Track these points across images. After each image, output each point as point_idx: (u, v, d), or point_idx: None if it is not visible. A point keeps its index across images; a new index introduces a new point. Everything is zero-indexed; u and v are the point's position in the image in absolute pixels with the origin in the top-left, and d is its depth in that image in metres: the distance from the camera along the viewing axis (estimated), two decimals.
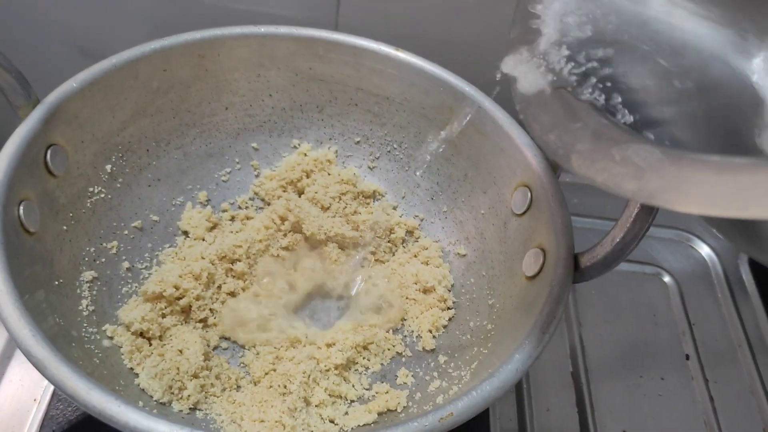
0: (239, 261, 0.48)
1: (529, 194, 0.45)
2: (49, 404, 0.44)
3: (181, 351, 0.41)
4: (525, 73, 0.34)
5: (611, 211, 0.63)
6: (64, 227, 0.43)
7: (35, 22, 0.62)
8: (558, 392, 0.52)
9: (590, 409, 0.51)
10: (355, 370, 0.45)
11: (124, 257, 0.47)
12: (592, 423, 0.50)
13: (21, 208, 0.38)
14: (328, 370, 0.43)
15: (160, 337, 0.43)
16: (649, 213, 0.37)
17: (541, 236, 0.43)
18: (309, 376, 0.41)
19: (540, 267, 0.42)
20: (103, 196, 0.47)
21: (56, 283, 0.41)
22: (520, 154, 0.46)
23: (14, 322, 0.31)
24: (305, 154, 0.55)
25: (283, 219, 0.51)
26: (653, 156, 0.26)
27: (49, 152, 0.42)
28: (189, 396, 0.39)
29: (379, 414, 0.41)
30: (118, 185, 0.49)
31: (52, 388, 0.45)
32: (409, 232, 0.54)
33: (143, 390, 0.39)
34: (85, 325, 0.41)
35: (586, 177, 0.28)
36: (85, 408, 0.30)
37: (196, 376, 0.40)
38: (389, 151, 0.56)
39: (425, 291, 0.49)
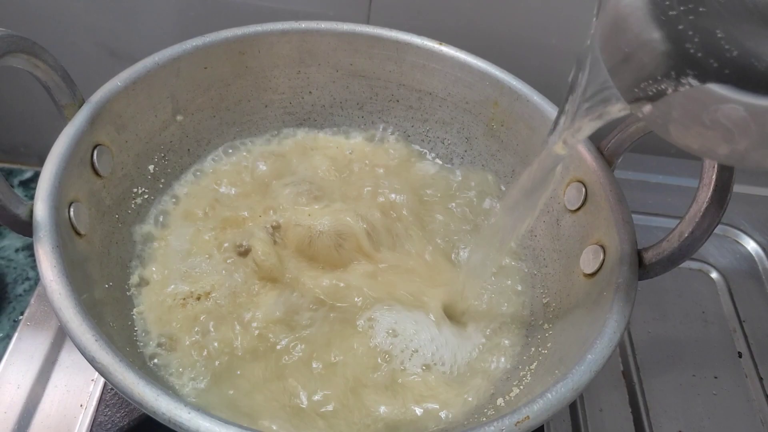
0: None
1: (583, 190, 0.44)
2: (97, 410, 0.43)
3: None
4: None
5: (666, 208, 0.62)
6: (111, 229, 0.42)
7: (65, 24, 0.61)
8: (610, 392, 0.50)
9: (644, 408, 0.50)
10: None
11: None
12: (647, 423, 0.49)
13: (72, 209, 0.37)
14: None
15: None
16: (719, 207, 0.36)
17: (599, 232, 0.42)
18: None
19: (600, 264, 0.40)
20: (146, 197, 0.46)
21: (106, 286, 0.40)
22: (572, 149, 0.45)
23: (76, 327, 0.30)
24: None
25: None
26: (737, 114, 0.24)
27: (95, 152, 0.41)
28: None
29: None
30: (161, 185, 0.48)
31: (98, 393, 0.44)
32: None
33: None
34: (136, 329, 0.40)
35: (684, 147, 0.27)
36: (153, 414, 0.29)
37: None
38: (432, 148, 0.55)
39: None
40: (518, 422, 0.30)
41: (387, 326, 0.43)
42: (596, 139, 0.44)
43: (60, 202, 0.36)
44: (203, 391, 0.38)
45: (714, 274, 0.59)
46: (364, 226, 0.46)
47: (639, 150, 0.43)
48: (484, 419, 0.37)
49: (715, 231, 0.61)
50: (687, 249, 0.37)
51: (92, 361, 0.30)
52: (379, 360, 0.41)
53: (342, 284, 0.44)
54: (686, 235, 0.37)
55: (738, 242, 0.62)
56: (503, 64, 0.50)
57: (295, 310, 0.42)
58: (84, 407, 0.44)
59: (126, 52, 0.64)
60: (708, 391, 0.51)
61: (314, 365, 0.40)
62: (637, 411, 0.49)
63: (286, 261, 0.45)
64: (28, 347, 0.47)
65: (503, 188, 0.52)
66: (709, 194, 0.35)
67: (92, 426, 0.42)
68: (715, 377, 0.52)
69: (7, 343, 0.47)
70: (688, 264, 0.60)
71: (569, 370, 0.33)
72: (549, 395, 0.32)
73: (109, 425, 0.41)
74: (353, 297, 0.44)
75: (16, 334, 0.47)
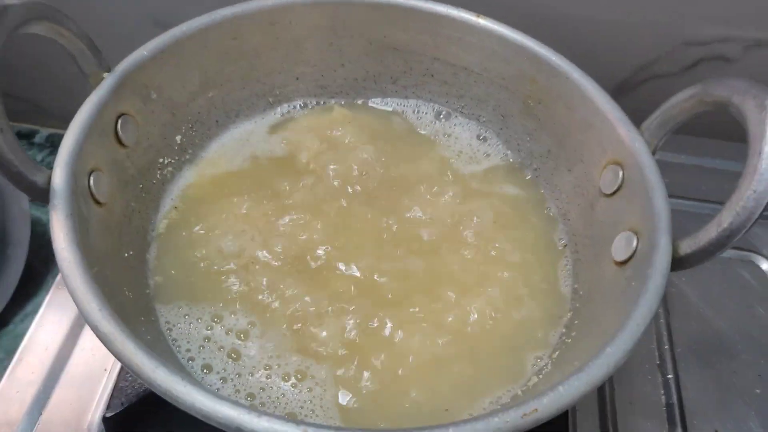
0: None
1: (620, 173, 0.41)
2: (119, 375, 0.43)
3: None
4: None
5: (707, 192, 0.58)
6: (134, 198, 0.42)
7: None
8: (643, 385, 0.48)
9: (678, 405, 0.47)
10: None
11: None
12: (681, 420, 0.46)
13: (92, 178, 0.38)
14: None
15: None
16: (764, 196, 0.33)
17: (634, 218, 0.39)
18: None
19: (632, 252, 0.38)
20: (172, 168, 0.46)
21: (125, 255, 0.40)
22: (611, 129, 0.42)
23: (81, 295, 0.31)
24: None
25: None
26: None
27: (119, 122, 0.41)
28: None
29: None
30: (188, 157, 0.48)
31: None
32: None
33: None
34: (154, 301, 0.40)
35: None
36: (150, 386, 0.29)
37: None
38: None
39: None
40: (525, 414, 0.29)
41: None
42: (633, 114, 0.42)
43: (79, 171, 0.36)
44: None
45: (765, 265, 0.55)
46: None
47: (681, 131, 0.40)
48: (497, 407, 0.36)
49: (765, 218, 0.58)
50: (726, 239, 0.34)
51: (95, 330, 0.30)
52: None
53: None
54: (725, 225, 0.34)
55: None
56: (543, 39, 0.47)
57: None
58: (108, 371, 0.45)
59: (169, 22, 0.64)
60: (750, 390, 0.48)
61: None
62: (671, 407, 0.47)
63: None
64: (58, 310, 0.48)
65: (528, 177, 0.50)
66: (754, 180, 0.33)
67: (114, 390, 0.43)
68: (759, 375, 0.49)
69: (40, 305, 0.48)
70: (736, 254, 0.56)
71: (585, 363, 0.31)
72: (561, 388, 0.30)
73: (129, 390, 0.42)
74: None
75: (48, 297, 0.49)
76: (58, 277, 0.50)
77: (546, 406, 0.29)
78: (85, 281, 0.31)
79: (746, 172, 0.33)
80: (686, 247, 0.36)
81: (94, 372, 0.45)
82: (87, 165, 0.37)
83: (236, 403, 0.28)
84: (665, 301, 0.53)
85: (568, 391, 0.30)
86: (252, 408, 0.28)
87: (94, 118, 0.38)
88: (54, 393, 0.44)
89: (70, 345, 0.46)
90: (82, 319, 0.47)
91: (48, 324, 0.47)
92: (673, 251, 0.36)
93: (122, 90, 0.41)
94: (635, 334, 0.32)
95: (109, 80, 0.40)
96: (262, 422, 0.27)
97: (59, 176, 0.35)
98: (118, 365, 0.45)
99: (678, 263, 0.36)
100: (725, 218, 0.34)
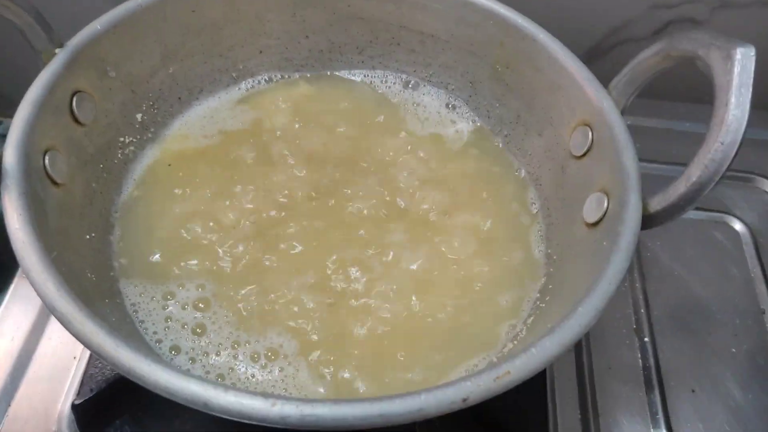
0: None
1: (590, 134, 0.41)
2: (89, 362, 0.42)
3: None
4: None
5: (677, 156, 0.58)
6: (94, 179, 0.41)
7: None
8: (620, 349, 0.48)
9: (655, 367, 0.47)
10: None
11: None
12: (658, 382, 0.46)
13: (47, 157, 0.36)
14: None
15: None
16: (731, 147, 0.32)
17: (603, 179, 0.39)
18: None
19: (603, 212, 0.38)
20: (134, 147, 0.45)
21: (87, 237, 0.39)
22: (579, 90, 0.42)
23: (37, 276, 0.30)
24: None
25: None
26: None
27: (74, 99, 0.39)
28: None
29: None
30: (150, 135, 0.46)
31: None
32: None
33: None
34: (118, 282, 0.39)
35: None
36: (113, 365, 0.28)
37: None
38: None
39: None
40: (498, 377, 0.28)
41: None
42: (605, 80, 0.41)
43: (33, 150, 0.35)
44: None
45: (738, 226, 0.55)
46: None
47: (648, 95, 0.40)
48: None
49: (741, 179, 0.59)
50: (695, 193, 0.34)
51: (53, 310, 0.29)
52: None
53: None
54: (694, 179, 0.34)
55: (765, 191, 0.58)
56: (515, 4, 0.46)
57: None
58: (77, 359, 0.44)
59: None
60: (726, 350, 0.48)
61: None
62: (648, 370, 0.47)
63: None
64: (23, 300, 0.46)
65: (499, 144, 0.49)
66: (722, 131, 0.32)
67: (84, 377, 0.42)
68: (735, 335, 0.49)
69: (3, 297, 0.47)
70: (710, 215, 0.56)
71: (557, 324, 0.31)
72: (533, 350, 0.30)
73: (99, 377, 0.41)
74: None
75: (11, 287, 0.47)
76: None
77: (518, 368, 0.29)
78: (40, 260, 0.30)
79: (713, 123, 0.33)
80: (656, 204, 0.36)
81: (62, 361, 0.44)
82: (41, 144, 0.36)
83: (202, 379, 0.27)
84: (640, 265, 0.53)
85: (540, 352, 0.30)
86: (218, 383, 0.27)
87: (47, 96, 0.37)
88: (22, 384, 0.43)
89: (37, 334, 0.45)
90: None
91: (13, 315, 0.46)
92: (643, 209, 0.36)
93: (76, 66, 0.39)
94: (607, 292, 0.32)
95: (61, 56, 0.39)
96: (229, 397, 0.26)
97: (10, 155, 0.33)
98: (88, 353, 0.43)
99: (649, 220, 0.36)
100: (694, 172, 0.34)
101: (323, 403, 0.27)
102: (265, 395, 0.27)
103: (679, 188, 0.34)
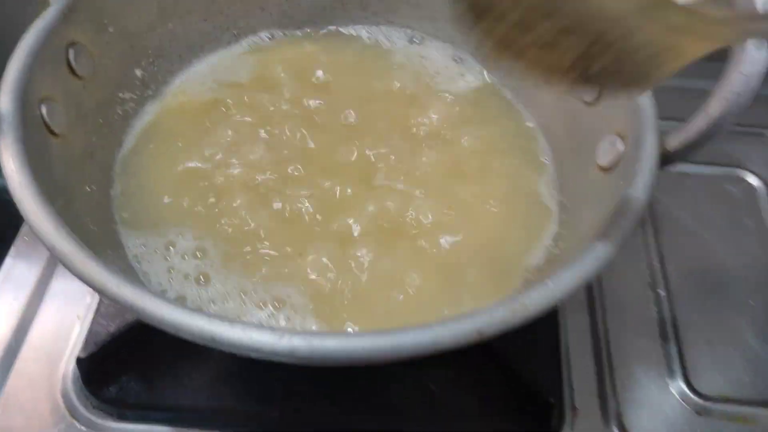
0: None
1: None
2: (93, 320, 0.42)
3: None
4: None
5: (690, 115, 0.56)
6: (94, 133, 0.40)
7: None
8: (634, 304, 0.47)
9: (671, 320, 0.46)
10: None
11: None
12: (674, 335, 0.45)
13: (43, 107, 0.35)
14: None
15: None
16: (754, 79, 0.31)
17: (618, 122, 0.38)
18: None
19: (619, 155, 0.37)
20: (134, 104, 0.44)
21: (88, 189, 0.38)
22: None
23: (36, 217, 0.29)
24: None
25: None
26: None
27: (71, 51, 0.38)
28: None
29: None
30: (150, 93, 0.45)
31: (95, 305, 0.42)
32: None
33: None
34: (120, 234, 0.38)
35: None
36: (116, 302, 0.27)
37: None
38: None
39: None
40: (514, 309, 0.27)
41: None
42: None
43: (28, 97, 0.34)
44: None
45: (754, 181, 0.54)
46: None
47: None
48: None
49: (754, 135, 0.57)
50: (715, 128, 0.33)
51: (52, 250, 0.28)
52: None
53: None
54: (714, 114, 0.32)
55: None
56: None
57: None
58: (81, 318, 0.43)
59: None
60: (743, 302, 0.47)
61: None
62: (664, 323, 0.46)
63: None
64: (27, 257, 0.46)
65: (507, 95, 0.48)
66: (742, 62, 0.31)
67: (87, 335, 0.41)
68: (752, 288, 0.48)
69: (4, 256, 0.46)
70: (724, 171, 0.55)
71: (573, 260, 0.30)
72: (549, 283, 0.28)
73: (103, 332, 0.40)
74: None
75: (14, 245, 0.46)
76: (23, 228, 0.48)
77: (535, 300, 0.28)
78: (40, 202, 0.29)
79: (733, 55, 0.32)
80: (674, 141, 0.34)
81: (66, 319, 0.43)
82: (37, 93, 0.35)
83: (209, 314, 0.26)
84: (654, 220, 0.52)
85: (556, 285, 0.28)
86: (225, 317, 0.26)
87: (42, 44, 0.36)
88: (25, 343, 0.42)
89: (40, 294, 0.44)
90: (51, 269, 0.45)
91: (15, 277, 0.45)
92: (660, 148, 0.34)
93: (72, 16, 0.38)
94: (626, 228, 0.31)
95: (55, 5, 0.38)
96: (236, 330, 0.25)
97: (5, 101, 0.33)
98: (92, 312, 0.43)
99: (667, 159, 0.34)
100: (713, 107, 0.33)
101: (333, 335, 0.26)
102: (273, 329, 0.26)
103: (699, 124, 0.33)
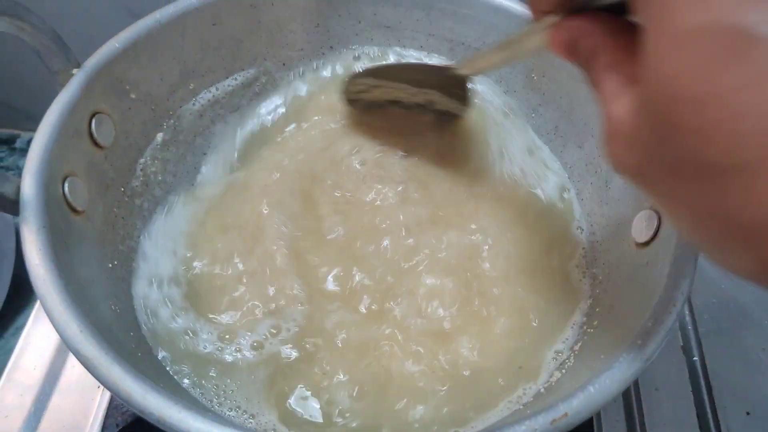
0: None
1: None
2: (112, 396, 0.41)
3: None
4: None
5: None
6: (116, 203, 0.39)
7: None
8: (668, 369, 0.46)
9: (706, 388, 0.45)
10: None
11: None
12: (709, 404, 0.44)
13: (66, 184, 0.34)
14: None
15: None
16: None
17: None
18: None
19: (654, 231, 0.35)
20: (155, 169, 0.43)
21: (110, 265, 0.37)
22: None
23: (59, 316, 0.28)
24: None
25: None
26: None
27: (93, 121, 0.38)
28: None
29: None
30: (172, 156, 0.45)
31: None
32: None
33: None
34: (145, 312, 0.38)
35: None
36: (141, 413, 0.26)
37: None
38: None
39: None
40: (554, 420, 0.26)
41: None
42: None
43: (52, 178, 0.33)
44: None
45: None
46: None
47: None
48: (518, 407, 0.33)
49: None
50: None
51: (76, 354, 0.27)
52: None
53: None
54: None
55: None
56: None
57: None
58: (101, 388, 0.42)
59: (145, 11, 0.61)
60: None
61: None
62: (699, 391, 0.45)
63: None
64: (45, 328, 0.45)
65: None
66: None
67: (108, 409, 0.40)
68: None
69: (24, 324, 0.45)
70: None
71: (615, 357, 0.28)
72: (591, 388, 0.27)
73: (125, 408, 0.39)
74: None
75: (32, 315, 0.46)
76: None
77: (577, 408, 0.27)
78: (63, 300, 0.28)
79: None
80: None
81: (86, 390, 0.42)
82: (60, 171, 0.34)
83: (234, 425, 0.25)
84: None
85: (599, 390, 0.27)
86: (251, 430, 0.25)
87: (65, 119, 0.35)
88: (45, 415, 0.41)
89: (60, 362, 0.44)
90: None
91: (35, 341, 0.44)
92: None
93: (94, 86, 0.37)
94: (668, 320, 0.30)
95: (78, 76, 0.37)
96: None
97: (29, 185, 0.32)
98: None
99: None
100: None
101: None
102: None
103: None
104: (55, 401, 0.42)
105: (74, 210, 0.35)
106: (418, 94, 0.44)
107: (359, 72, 0.45)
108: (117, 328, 0.33)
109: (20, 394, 0.42)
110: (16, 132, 0.74)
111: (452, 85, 0.42)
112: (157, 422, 0.26)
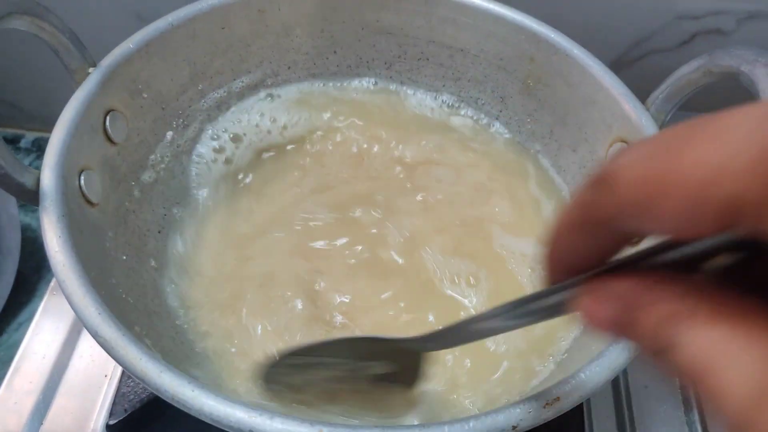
0: None
1: None
2: (120, 381, 0.42)
3: None
4: None
5: None
6: (127, 198, 0.41)
7: None
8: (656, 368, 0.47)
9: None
10: None
11: None
12: (696, 402, 0.45)
13: (82, 178, 0.36)
14: None
15: None
16: None
17: None
18: None
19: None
20: (165, 165, 0.45)
21: (124, 258, 0.39)
22: (616, 105, 0.41)
23: (78, 300, 0.29)
24: None
25: None
26: None
27: (108, 118, 0.39)
28: None
29: None
30: (182, 152, 0.46)
31: None
32: None
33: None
34: (155, 301, 0.39)
35: None
36: (156, 391, 0.27)
37: None
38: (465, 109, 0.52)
39: None
40: (547, 404, 0.28)
41: None
42: (642, 95, 0.41)
43: (69, 171, 0.35)
44: None
45: None
46: None
47: (686, 107, 0.39)
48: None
49: None
50: None
51: (95, 335, 0.29)
52: None
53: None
54: None
55: None
56: (540, 17, 0.46)
57: None
58: (108, 377, 0.43)
59: (153, 16, 0.63)
60: None
61: None
62: (686, 389, 0.46)
63: None
64: (53, 317, 0.46)
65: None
66: None
67: (116, 396, 0.41)
68: None
69: (33, 313, 0.47)
70: None
71: (606, 347, 0.30)
72: (582, 375, 0.29)
73: (132, 396, 0.41)
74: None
75: (42, 304, 0.47)
76: (52, 283, 0.49)
77: (568, 392, 0.28)
78: (82, 285, 0.30)
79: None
80: None
81: (94, 379, 0.44)
82: (77, 164, 0.36)
83: (247, 405, 0.27)
84: None
85: (590, 377, 0.29)
86: (264, 410, 0.26)
87: (82, 115, 0.37)
88: (54, 402, 0.42)
89: (68, 352, 0.45)
90: (79, 326, 0.46)
91: (43, 332, 0.46)
92: None
93: (109, 85, 0.39)
94: None
95: (95, 75, 0.38)
96: (276, 424, 0.26)
97: (48, 177, 0.33)
98: (119, 371, 0.43)
99: None
100: None
101: (370, 429, 0.26)
102: (311, 421, 0.26)
103: None
104: (64, 389, 0.43)
105: (89, 202, 0.36)
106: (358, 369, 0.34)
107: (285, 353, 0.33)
108: (133, 315, 0.34)
109: (30, 381, 0.43)
110: (21, 132, 0.75)
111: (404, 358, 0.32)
112: (171, 399, 0.27)
